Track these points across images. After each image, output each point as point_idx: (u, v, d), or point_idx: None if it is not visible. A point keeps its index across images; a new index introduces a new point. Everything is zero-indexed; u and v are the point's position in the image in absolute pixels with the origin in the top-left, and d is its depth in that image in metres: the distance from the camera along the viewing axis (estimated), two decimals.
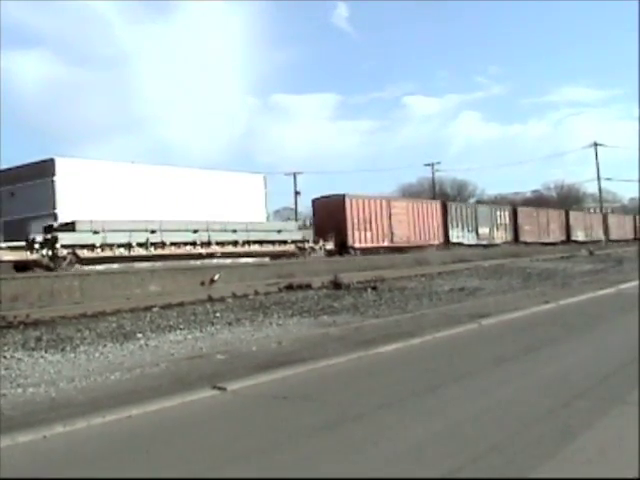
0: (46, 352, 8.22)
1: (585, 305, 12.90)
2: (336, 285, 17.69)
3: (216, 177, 37.55)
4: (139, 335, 9.50)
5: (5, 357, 7.92)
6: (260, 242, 30.46)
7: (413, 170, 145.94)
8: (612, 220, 66.73)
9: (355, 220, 34.63)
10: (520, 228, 48.32)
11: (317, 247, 32.77)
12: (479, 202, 65.47)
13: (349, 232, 34.26)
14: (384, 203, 37.04)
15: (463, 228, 42.50)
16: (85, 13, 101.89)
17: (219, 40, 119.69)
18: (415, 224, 38.40)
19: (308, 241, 32.64)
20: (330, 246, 33.23)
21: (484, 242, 43.34)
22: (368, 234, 35.18)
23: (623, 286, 15.97)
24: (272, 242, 31.05)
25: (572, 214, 58.47)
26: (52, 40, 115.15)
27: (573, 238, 55.44)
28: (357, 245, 34.52)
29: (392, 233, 36.62)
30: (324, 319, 11.09)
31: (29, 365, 7.42)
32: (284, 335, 9.34)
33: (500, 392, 5.77)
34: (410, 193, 68.50)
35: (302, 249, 32.07)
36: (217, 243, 28.92)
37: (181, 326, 10.40)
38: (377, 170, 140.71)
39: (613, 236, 63.55)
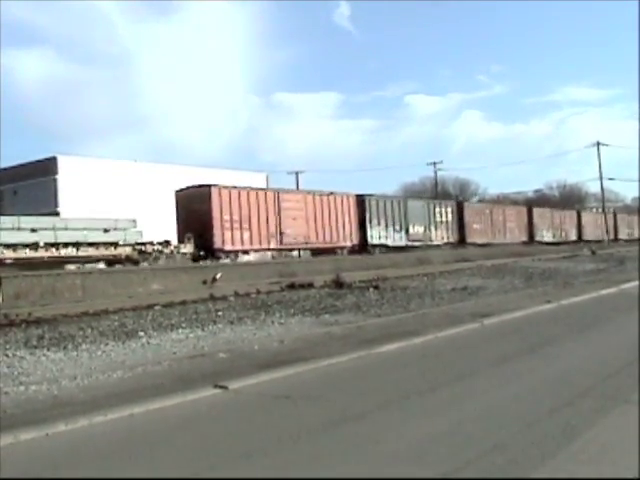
0: (48, 350, 8.23)
1: (587, 305, 12.88)
2: (338, 284, 17.68)
3: (219, 175, 37.53)
4: (141, 333, 9.51)
5: (7, 355, 7.94)
6: (77, 244, 23.58)
7: (415, 169, 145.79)
8: (587, 219, 60.51)
9: (226, 217, 27.60)
10: (467, 227, 41.65)
11: (167, 250, 25.92)
12: (481, 201, 64.91)
13: (216, 232, 27.26)
14: (270, 196, 29.75)
15: (387, 227, 35.39)
16: (88, 12, 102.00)
17: (221, 39, 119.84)
18: (317, 222, 31.53)
19: (152, 243, 25.84)
20: (188, 249, 26.39)
21: (417, 243, 37.06)
22: (246, 234, 28.25)
23: (625, 286, 15.94)
24: (96, 244, 24.08)
25: (536, 211, 51.50)
26: (55, 38, 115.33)
27: (537, 238, 49.25)
28: (228, 247, 27.63)
29: (281, 233, 29.72)
30: (326, 318, 11.09)
31: (31, 363, 7.43)
32: (286, 334, 9.34)
33: (502, 391, 5.77)
34: (412, 192, 68.39)
35: (143, 253, 25.22)
36: (7, 246, 22.03)
37: (183, 325, 10.41)
38: (379, 169, 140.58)
39: (587, 236, 57.48)
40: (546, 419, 4.75)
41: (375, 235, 34.68)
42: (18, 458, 4.27)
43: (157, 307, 13.33)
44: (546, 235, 51.05)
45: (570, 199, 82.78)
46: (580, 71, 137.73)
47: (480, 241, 42.05)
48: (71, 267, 22.56)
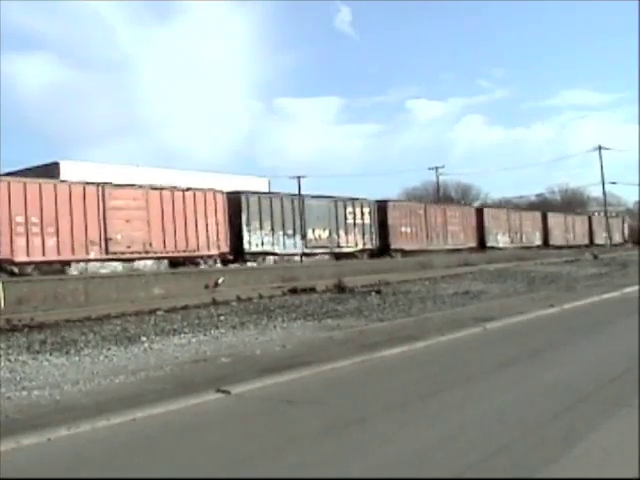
0: (51, 355, 8.24)
1: (590, 309, 12.88)
2: (340, 289, 17.70)
3: (221, 180, 37.58)
4: (143, 338, 9.51)
5: (10, 360, 7.95)
6: None
7: (418, 174, 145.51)
8: (554, 221, 52.24)
9: (19, 218, 21.17)
10: (392, 230, 34.73)
11: None
12: (484, 206, 64.12)
13: (2, 239, 20.79)
14: (92, 191, 23.09)
15: (274, 231, 28.70)
16: (88, 16, 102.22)
17: (222, 43, 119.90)
18: (166, 225, 24.84)
19: None
20: None
21: (319, 250, 30.82)
22: (51, 240, 21.83)
23: (627, 290, 15.93)
24: None
25: (488, 212, 44.14)
26: (55, 43, 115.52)
27: (490, 244, 42.28)
28: (21, 258, 21.04)
29: (107, 239, 23.17)
30: (328, 322, 11.09)
31: (34, 368, 7.44)
32: (288, 338, 9.35)
33: (504, 396, 5.77)
34: (414, 197, 68.36)
35: None
36: None
37: (185, 329, 10.42)
38: (382, 174, 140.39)
39: (555, 241, 50.55)
40: (548, 423, 4.76)
41: (255, 241, 28.03)
42: (20, 463, 4.28)
43: (159, 312, 13.34)
44: (501, 240, 44.14)
45: (572, 203, 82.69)
46: (581, 75, 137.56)
47: (409, 247, 35.47)
48: (73, 272, 22.25)
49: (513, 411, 5.20)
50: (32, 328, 11.23)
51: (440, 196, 70.00)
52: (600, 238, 58.64)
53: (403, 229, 35.59)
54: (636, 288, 15.98)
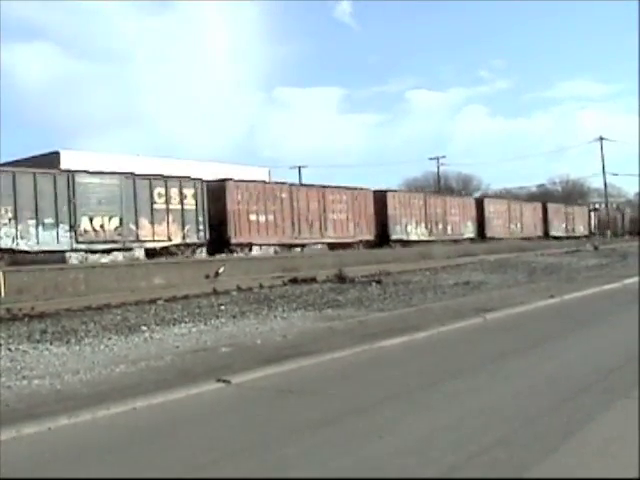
0: (51, 344, 8.24)
1: (590, 300, 12.87)
2: (341, 279, 17.67)
3: (221, 170, 37.48)
4: (144, 328, 9.51)
5: (10, 349, 7.95)
6: None
7: (419, 164, 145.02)
8: (493, 209, 43.78)
9: None
10: (233, 218, 26.81)
11: None
12: (484, 196, 62.33)
13: None
14: None
15: (18, 219, 20.63)
16: (89, 6, 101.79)
17: (223, 34, 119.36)
18: None
19: None
20: None
21: (103, 246, 22.79)
22: None
23: (628, 281, 15.93)
24: None
25: (392, 197, 35.17)
26: (55, 33, 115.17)
27: (395, 236, 34.49)
28: None
29: None
30: (329, 313, 11.09)
31: (34, 357, 7.45)
32: (289, 328, 9.35)
33: (504, 386, 5.78)
34: (415, 187, 68.23)
35: None
36: None
37: (186, 319, 10.42)
38: (382, 164, 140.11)
39: (495, 233, 42.81)
40: (548, 414, 4.76)
41: (20, 235, 20.64)
42: (20, 452, 4.29)
43: (160, 301, 13.33)
44: (413, 231, 36.01)
45: (572, 194, 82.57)
46: (582, 66, 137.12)
47: (263, 241, 27.86)
48: (74, 261, 22.12)
49: (513, 401, 5.21)
50: (32, 317, 11.22)
51: (441, 187, 69.96)
52: (558, 229, 51.49)
53: (253, 217, 27.70)
54: (636, 279, 15.98)
